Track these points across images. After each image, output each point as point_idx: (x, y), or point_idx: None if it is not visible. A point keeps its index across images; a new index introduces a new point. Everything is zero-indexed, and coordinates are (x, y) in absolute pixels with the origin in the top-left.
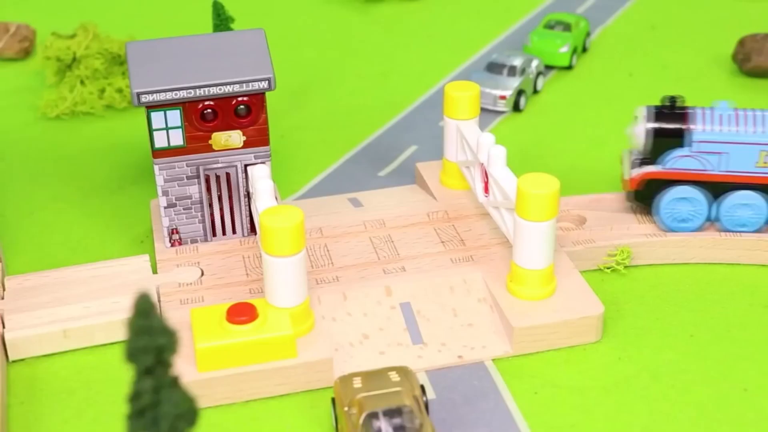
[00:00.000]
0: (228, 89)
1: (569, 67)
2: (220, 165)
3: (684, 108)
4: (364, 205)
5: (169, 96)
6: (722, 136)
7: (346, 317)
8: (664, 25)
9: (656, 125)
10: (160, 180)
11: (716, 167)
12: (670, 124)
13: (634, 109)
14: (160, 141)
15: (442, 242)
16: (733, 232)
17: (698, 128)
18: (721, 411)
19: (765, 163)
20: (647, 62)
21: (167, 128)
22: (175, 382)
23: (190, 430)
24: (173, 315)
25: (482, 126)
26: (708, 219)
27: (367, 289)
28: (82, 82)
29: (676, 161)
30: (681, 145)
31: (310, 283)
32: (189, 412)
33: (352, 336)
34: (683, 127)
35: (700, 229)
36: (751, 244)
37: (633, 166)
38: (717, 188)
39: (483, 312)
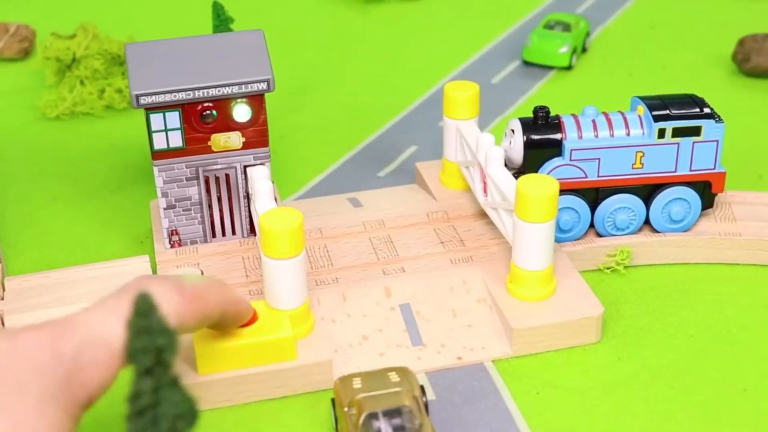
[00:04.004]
0: (227, 90)
1: (569, 67)
2: (219, 166)
3: (557, 117)
4: (363, 205)
5: (168, 98)
6: (597, 142)
7: (346, 318)
8: (664, 25)
9: (534, 137)
10: (159, 181)
11: (594, 173)
12: (547, 134)
13: (507, 123)
14: (160, 143)
15: (442, 242)
16: (612, 236)
17: (573, 136)
18: (721, 411)
19: (641, 164)
20: (647, 62)
21: (166, 130)
22: (174, 382)
23: (190, 431)
24: None
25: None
26: (591, 225)
27: (367, 290)
28: (81, 83)
29: (554, 171)
30: (557, 154)
31: (310, 285)
32: (188, 412)
33: (352, 337)
34: (559, 136)
35: (581, 236)
36: (750, 244)
37: None
38: (596, 194)
39: (482, 313)
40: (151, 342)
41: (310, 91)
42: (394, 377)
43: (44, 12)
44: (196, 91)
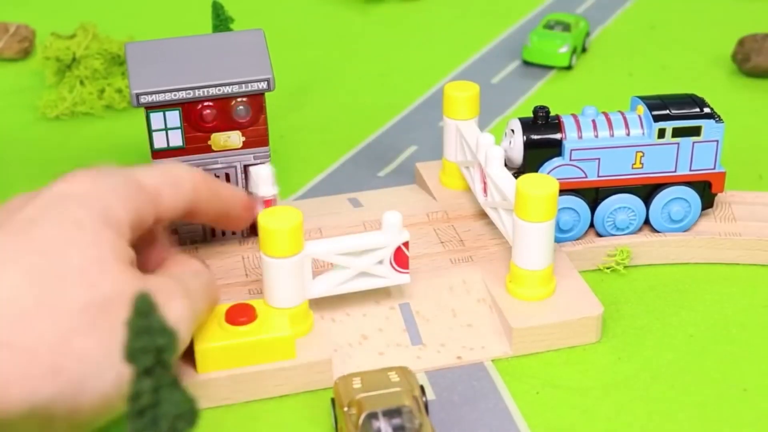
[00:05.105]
0: (227, 90)
1: (569, 68)
2: (219, 166)
3: (557, 117)
4: (363, 205)
5: (168, 97)
6: (597, 142)
7: (345, 318)
8: (664, 25)
9: (534, 137)
10: None
11: (594, 173)
12: (547, 134)
13: (507, 123)
14: (160, 142)
15: (442, 242)
16: (612, 236)
17: (573, 136)
18: (721, 411)
19: (641, 164)
20: (647, 62)
21: (166, 129)
22: (174, 382)
23: (190, 431)
24: None
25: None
26: (591, 225)
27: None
28: (81, 83)
29: (554, 171)
30: (557, 154)
31: None
32: (189, 412)
33: (351, 337)
34: (559, 136)
35: (581, 236)
36: (750, 244)
37: None
38: (596, 194)
39: (482, 312)
40: (151, 342)
41: (310, 91)
42: (393, 377)
43: (44, 12)
44: (196, 90)
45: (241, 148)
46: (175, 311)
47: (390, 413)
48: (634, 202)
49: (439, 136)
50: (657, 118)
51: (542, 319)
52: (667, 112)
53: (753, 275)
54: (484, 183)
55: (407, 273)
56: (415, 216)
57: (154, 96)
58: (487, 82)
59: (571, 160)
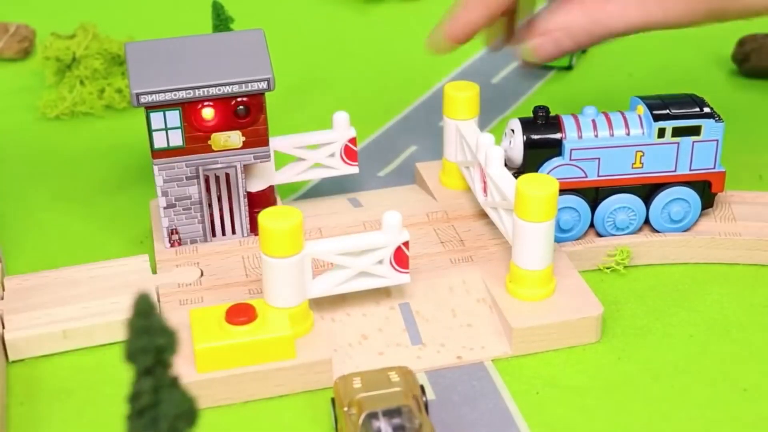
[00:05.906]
0: (227, 90)
1: (569, 68)
2: (219, 165)
3: (557, 117)
4: (363, 205)
5: (168, 96)
6: (597, 142)
7: (345, 318)
8: None
9: (534, 136)
10: (159, 180)
11: (594, 173)
12: (547, 134)
13: (507, 123)
14: (160, 141)
15: (442, 242)
16: (612, 236)
17: (573, 136)
18: (721, 411)
19: (641, 164)
20: (647, 62)
21: (166, 129)
22: (174, 382)
23: (190, 430)
24: (172, 315)
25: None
26: (591, 225)
27: (366, 289)
28: (81, 83)
29: (554, 171)
30: (557, 154)
31: None
32: (188, 412)
33: (351, 336)
34: (559, 136)
35: (581, 236)
36: (750, 244)
37: None
38: (596, 194)
39: (482, 312)
40: (151, 342)
41: (310, 91)
42: (394, 377)
43: (44, 12)
44: (196, 90)
45: (241, 147)
46: None
47: (390, 413)
48: (634, 202)
49: (439, 136)
50: (657, 118)
51: (542, 319)
52: (667, 111)
53: (753, 275)
54: (484, 183)
55: (407, 273)
56: (415, 216)
57: (154, 96)
58: (487, 82)
59: (571, 159)
